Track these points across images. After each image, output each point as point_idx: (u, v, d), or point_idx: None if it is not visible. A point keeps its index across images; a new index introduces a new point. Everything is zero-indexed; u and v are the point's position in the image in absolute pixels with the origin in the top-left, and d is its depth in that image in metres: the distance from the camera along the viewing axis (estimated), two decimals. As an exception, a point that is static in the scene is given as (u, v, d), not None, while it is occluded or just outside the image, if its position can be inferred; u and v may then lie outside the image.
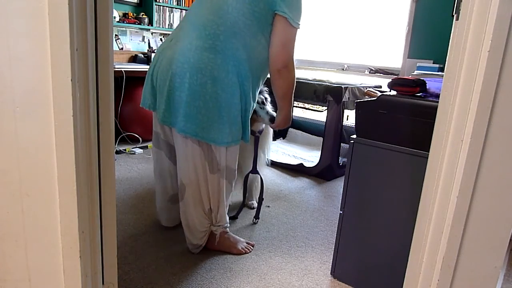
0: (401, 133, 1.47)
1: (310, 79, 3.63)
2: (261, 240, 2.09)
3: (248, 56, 1.64)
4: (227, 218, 1.94)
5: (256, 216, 2.33)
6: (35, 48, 0.87)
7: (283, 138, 4.20)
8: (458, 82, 0.91)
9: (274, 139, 4.13)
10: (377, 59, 3.76)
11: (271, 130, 2.32)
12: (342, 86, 3.04)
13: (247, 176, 2.33)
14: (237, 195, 2.50)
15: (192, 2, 4.58)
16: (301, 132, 4.17)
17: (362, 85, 3.31)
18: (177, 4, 4.42)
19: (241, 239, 1.99)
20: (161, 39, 4.48)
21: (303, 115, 4.34)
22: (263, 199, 2.35)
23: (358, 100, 1.61)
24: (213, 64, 1.59)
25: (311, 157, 3.56)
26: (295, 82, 1.78)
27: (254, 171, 2.27)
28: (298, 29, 1.65)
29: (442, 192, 0.97)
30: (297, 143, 4.07)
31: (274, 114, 2.03)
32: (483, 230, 0.91)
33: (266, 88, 2.19)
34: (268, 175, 3.19)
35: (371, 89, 2.55)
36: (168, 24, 4.37)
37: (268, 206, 2.56)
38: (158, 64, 1.72)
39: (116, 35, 4.01)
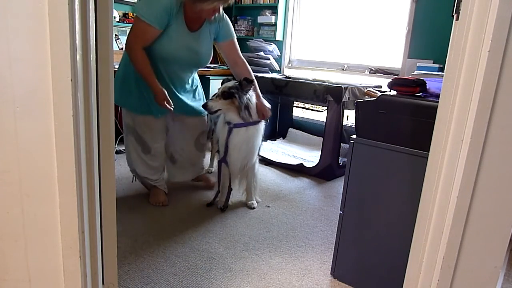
0: (401, 133, 1.47)
1: (310, 79, 3.63)
2: (261, 240, 2.09)
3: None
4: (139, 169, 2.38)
5: (225, 205, 2.43)
6: (35, 48, 0.87)
7: (283, 138, 4.20)
8: (458, 82, 0.91)
9: (274, 139, 4.13)
10: (377, 59, 3.75)
11: (260, 131, 2.37)
12: (342, 86, 3.04)
13: (219, 163, 2.41)
14: (238, 196, 2.51)
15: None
16: (301, 132, 4.16)
17: (362, 85, 3.31)
18: (177, 4, 4.42)
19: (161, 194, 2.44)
20: (161, 39, 4.47)
21: (303, 115, 4.34)
22: (231, 189, 2.44)
23: (358, 100, 1.61)
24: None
25: (311, 157, 3.56)
26: (139, 65, 2.05)
27: (223, 160, 2.36)
28: (142, 20, 1.93)
29: (442, 192, 0.97)
30: (297, 143, 4.07)
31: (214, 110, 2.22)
32: (483, 230, 0.91)
33: (250, 93, 2.27)
34: (268, 175, 3.19)
35: (371, 89, 2.55)
36: (168, 24, 4.37)
37: (268, 206, 2.56)
38: None
39: (116, 35, 4.00)
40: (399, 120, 1.47)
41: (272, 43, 4.34)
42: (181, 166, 2.59)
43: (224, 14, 2.22)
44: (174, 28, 2.04)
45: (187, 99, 2.38)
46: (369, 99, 1.59)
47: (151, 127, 2.29)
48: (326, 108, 3.24)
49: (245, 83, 2.20)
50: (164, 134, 2.40)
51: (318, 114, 4.22)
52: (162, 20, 1.97)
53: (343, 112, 3.13)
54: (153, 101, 2.13)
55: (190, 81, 2.40)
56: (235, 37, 2.33)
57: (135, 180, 2.57)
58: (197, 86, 2.51)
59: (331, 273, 1.79)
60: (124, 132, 2.35)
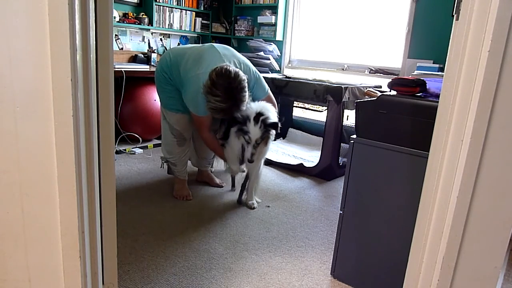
0: (401, 133, 1.47)
1: (310, 79, 3.63)
2: (261, 240, 2.09)
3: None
4: (166, 154, 2.66)
5: (239, 199, 2.58)
6: (35, 48, 0.87)
7: (283, 138, 4.20)
8: (458, 82, 0.91)
9: (275, 139, 4.12)
10: (377, 59, 3.75)
11: (271, 138, 2.43)
12: (342, 86, 3.04)
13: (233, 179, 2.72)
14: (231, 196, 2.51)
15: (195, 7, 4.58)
16: (301, 132, 4.16)
17: (362, 85, 3.31)
18: (177, 4, 4.42)
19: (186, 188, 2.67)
20: (161, 39, 4.48)
21: (303, 115, 4.33)
22: (246, 187, 2.59)
23: (358, 100, 1.61)
24: None
25: (311, 157, 3.56)
26: (215, 149, 2.55)
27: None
28: (199, 116, 2.36)
29: (442, 192, 0.97)
30: (297, 143, 4.06)
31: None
32: (483, 230, 0.91)
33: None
34: (268, 175, 3.19)
35: (371, 89, 2.54)
36: (168, 24, 4.37)
37: (268, 206, 2.56)
38: None
39: (116, 35, 4.01)
40: (399, 120, 1.47)
41: (272, 43, 4.34)
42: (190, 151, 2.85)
43: (256, 73, 2.49)
44: None
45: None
46: (369, 99, 1.59)
47: (184, 122, 2.60)
48: (326, 108, 3.24)
49: (270, 128, 2.32)
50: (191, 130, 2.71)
51: (318, 114, 4.22)
52: None
53: (343, 112, 3.13)
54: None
55: None
56: (269, 90, 2.60)
57: (162, 167, 2.89)
58: None
59: (331, 273, 1.79)
60: (163, 126, 2.69)
